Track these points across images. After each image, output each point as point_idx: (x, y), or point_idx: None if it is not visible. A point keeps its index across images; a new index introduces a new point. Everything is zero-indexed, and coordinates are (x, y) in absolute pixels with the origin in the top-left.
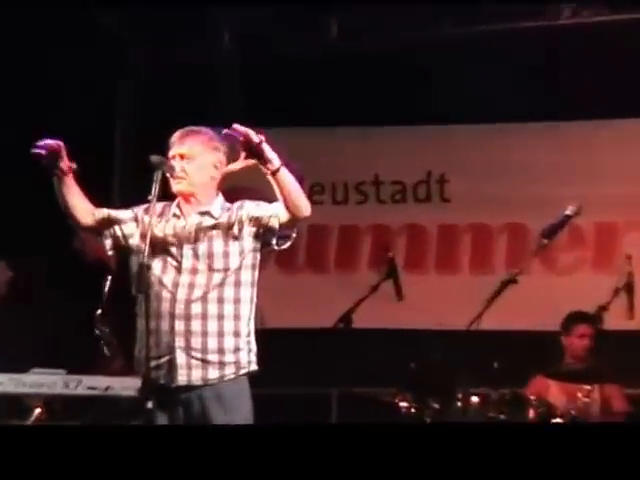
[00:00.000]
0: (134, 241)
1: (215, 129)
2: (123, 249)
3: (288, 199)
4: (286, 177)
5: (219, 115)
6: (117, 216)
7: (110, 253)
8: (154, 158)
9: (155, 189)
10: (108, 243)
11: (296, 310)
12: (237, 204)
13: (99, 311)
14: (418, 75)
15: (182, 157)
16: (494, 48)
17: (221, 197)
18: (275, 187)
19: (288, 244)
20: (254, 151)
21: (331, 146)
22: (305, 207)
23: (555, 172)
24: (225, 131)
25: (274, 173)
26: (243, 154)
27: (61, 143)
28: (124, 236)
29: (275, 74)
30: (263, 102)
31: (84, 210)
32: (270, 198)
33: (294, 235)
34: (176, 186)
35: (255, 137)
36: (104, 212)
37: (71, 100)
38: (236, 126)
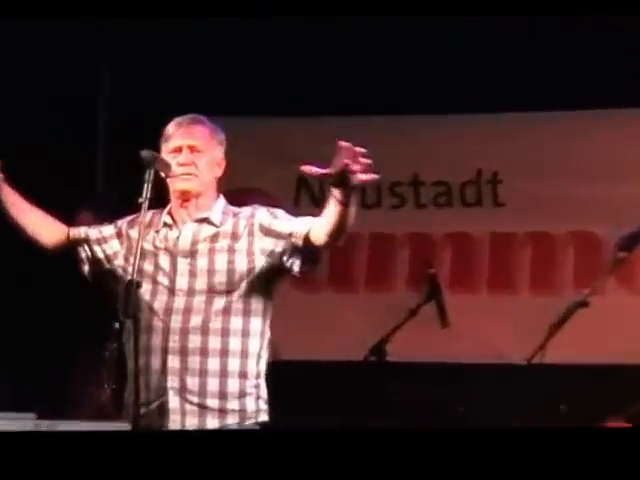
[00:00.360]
0: (119, 262)
1: (212, 119)
2: (106, 274)
3: (337, 231)
4: (352, 214)
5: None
6: (96, 234)
7: (91, 280)
8: (146, 153)
9: (147, 191)
10: (87, 269)
11: (317, 338)
12: (247, 210)
13: (116, 325)
14: (458, 54)
15: (192, 149)
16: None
17: (222, 200)
18: (332, 213)
19: (312, 270)
20: (348, 175)
21: (359, 139)
22: (342, 238)
23: (638, 169)
24: (343, 145)
25: (347, 205)
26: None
27: None
28: (106, 258)
29: (293, 57)
30: (277, 87)
31: (50, 231)
32: (283, 204)
33: (320, 258)
34: (182, 184)
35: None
36: (79, 232)
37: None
38: (345, 145)
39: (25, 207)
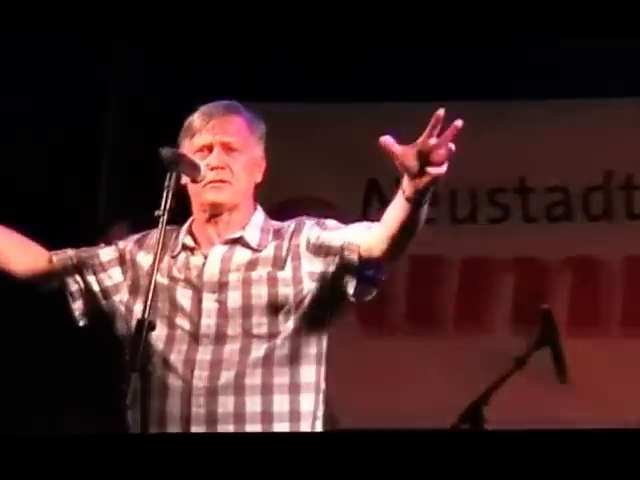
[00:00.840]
0: (121, 297)
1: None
2: (103, 313)
3: (401, 239)
4: (423, 215)
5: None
6: (90, 260)
7: (82, 323)
8: (167, 152)
9: (167, 200)
10: (78, 306)
11: (390, 398)
12: (290, 226)
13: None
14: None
15: (227, 148)
16: None
17: (261, 213)
18: (398, 214)
19: (373, 294)
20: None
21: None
22: (403, 252)
23: None
24: (458, 122)
25: (420, 204)
26: None
27: None
28: (104, 291)
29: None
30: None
31: (22, 253)
32: (345, 215)
33: (382, 279)
34: (213, 194)
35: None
36: (67, 256)
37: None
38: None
39: None
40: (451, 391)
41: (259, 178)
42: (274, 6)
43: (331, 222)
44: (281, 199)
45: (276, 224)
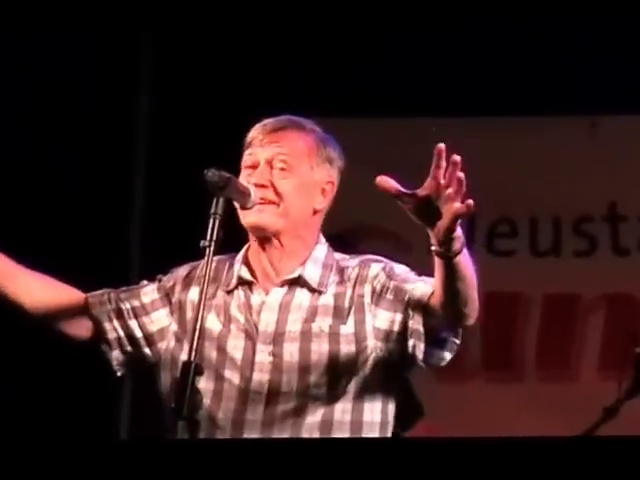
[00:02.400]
0: (167, 344)
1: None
2: (146, 361)
3: (450, 298)
4: (466, 265)
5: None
6: (131, 300)
7: (119, 373)
8: (213, 175)
9: (214, 229)
10: (117, 356)
11: None
12: (354, 268)
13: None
14: None
15: (272, 165)
16: None
17: (324, 245)
18: (437, 271)
19: (447, 360)
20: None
21: (524, 150)
22: (474, 312)
23: None
24: (442, 148)
25: (450, 256)
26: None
27: None
28: (148, 337)
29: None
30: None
31: (63, 299)
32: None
33: (457, 343)
34: (253, 216)
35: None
36: (104, 297)
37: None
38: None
39: (11, 269)
40: None
41: (321, 205)
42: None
43: (400, 269)
44: (343, 227)
45: (340, 258)
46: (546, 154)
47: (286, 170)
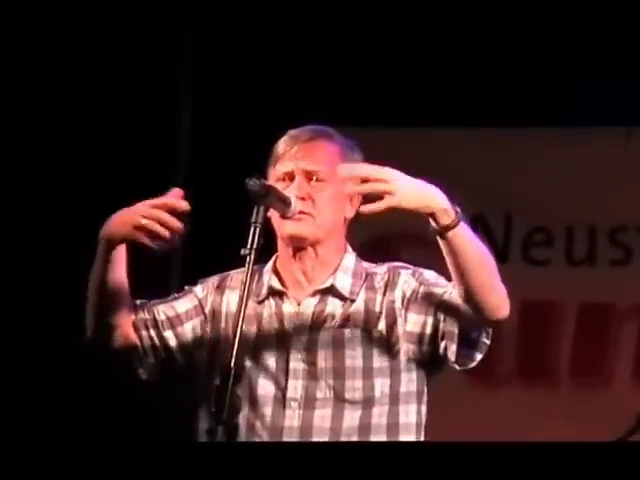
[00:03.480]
0: (201, 353)
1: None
2: (180, 370)
3: (467, 284)
4: (465, 240)
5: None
6: (165, 312)
7: (151, 380)
8: (254, 184)
9: (254, 237)
10: (149, 364)
11: None
12: (384, 275)
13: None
14: None
15: (310, 177)
16: None
17: (352, 254)
18: (447, 261)
19: (477, 360)
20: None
21: (559, 160)
22: (501, 303)
23: None
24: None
25: (444, 230)
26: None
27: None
28: (182, 348)
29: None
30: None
31: (122, 314)
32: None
33: (487, 343)
34: (292, 226)
35: None
36: (144, 312)
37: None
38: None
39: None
40: None
41: (350, 214)
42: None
43: (429, 274)
44: (371, 235)
45: (368, 266)
46: (582, 164)
47: (322, 182)
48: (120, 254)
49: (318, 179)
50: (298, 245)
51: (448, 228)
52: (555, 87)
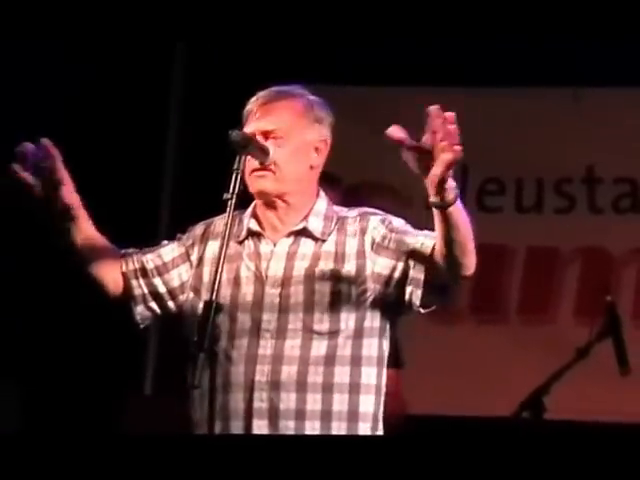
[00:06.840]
0: (187, 295)
1: (308, 87)
2: (169, 313)
3: (452, 249)
4: (460, 215)
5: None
6: (153, 260)
7: (142, 326)
8: (237, 135)
9: (236, 183)
10: (141, 310)
11: (451, 384)
12: (355, 218)
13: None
14: None
15: (266, 136)
16: None
17: (324, 199)
18: (440, 227)
19: (444, 303)
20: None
21: (512, 117)
22: (473, 264)
23: None
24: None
25: (444, 206)
26: None
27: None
28: (171, 292)
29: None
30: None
31: (113, 273)
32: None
33: (451, 291)
34: (257, 184)
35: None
36: (132, 260)
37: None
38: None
39: (99, 243)
40: (513, 379)
41: (317, 162)
42: None
43: (398, 222)
44: (344, 185)
45: (339, 210)
46: (533, 121)
47: (280, 139)
48: (74, 216)
49: (276, 137)
50: (265, 199)
51: (450, 204)
52: (510, 49)
